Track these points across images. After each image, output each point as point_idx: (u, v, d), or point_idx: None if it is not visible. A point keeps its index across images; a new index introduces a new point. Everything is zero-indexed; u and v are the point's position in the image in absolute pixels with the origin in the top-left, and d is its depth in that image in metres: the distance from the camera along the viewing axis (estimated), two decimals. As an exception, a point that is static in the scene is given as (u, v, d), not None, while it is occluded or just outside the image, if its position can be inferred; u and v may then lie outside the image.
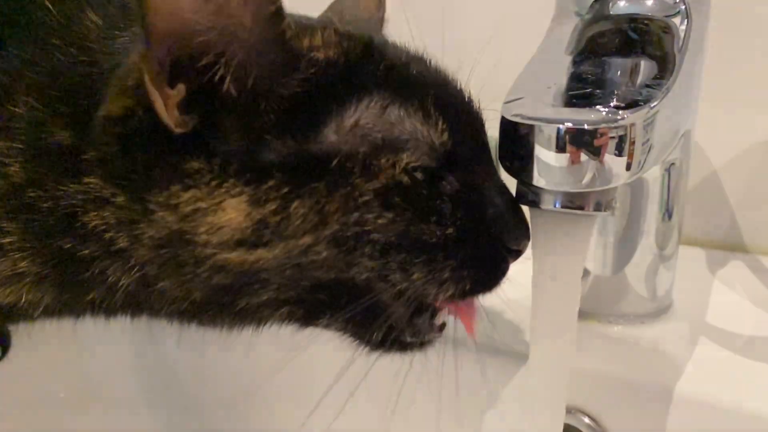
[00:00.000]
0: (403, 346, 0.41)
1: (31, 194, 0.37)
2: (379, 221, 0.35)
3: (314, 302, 0.38)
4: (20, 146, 0.37)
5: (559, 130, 0.35)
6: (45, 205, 0.37)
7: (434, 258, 0.37)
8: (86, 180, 0.36)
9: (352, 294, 0.37)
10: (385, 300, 0.38)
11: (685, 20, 0.42)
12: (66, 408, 0.65)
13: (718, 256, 0.66)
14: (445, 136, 0.38)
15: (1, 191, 0.37)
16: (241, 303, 0.38)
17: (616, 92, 0.38)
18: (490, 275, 0.39)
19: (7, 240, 0.38)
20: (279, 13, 0.34)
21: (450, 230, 0.37)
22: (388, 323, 0.39)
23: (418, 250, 0.37)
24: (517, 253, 0.40)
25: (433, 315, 0.41)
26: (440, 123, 0.37)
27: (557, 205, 0.38)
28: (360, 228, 0.35)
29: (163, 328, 0.42)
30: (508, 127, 0.37)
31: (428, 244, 0.37)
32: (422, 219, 0.36)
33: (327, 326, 0.40)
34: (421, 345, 0.42)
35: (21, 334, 0.54)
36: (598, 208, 0.38)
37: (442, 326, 0.42)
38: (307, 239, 0.35)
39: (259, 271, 0.36)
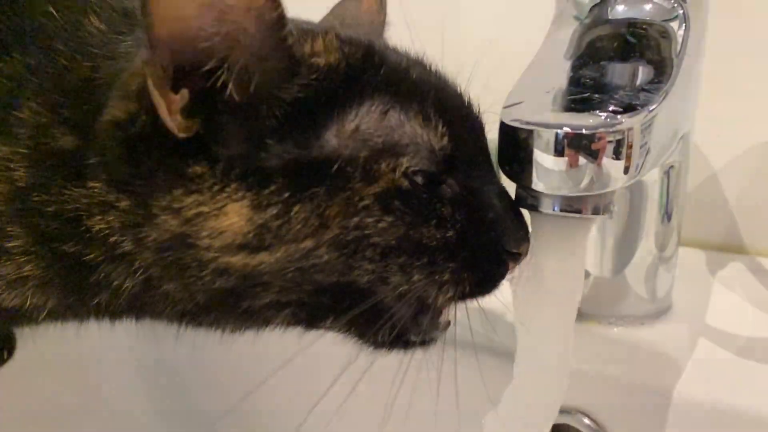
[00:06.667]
0: (406, 344, 0.41)
1: (36, 198, 0.37)
2: (380, 225, 0.36)
3: (316, 305, 0.38)
4: (24, 151, 0.37)
5: (557, 134, 0.36)
6: (50, 209, 0.37)
7: (434, 260, 0.37)
8: (90, 185, 0.36)
9: (353, 297, 0.38)
10: (386, 302, 0.38)
11: (683, 24, 0.42)
12: (70, 414, 0.65)
13: (717, 257, 0.66)
14: (445, 140, 0.38)
15: (6, 195, 0.38)
16: (243, 305, 0.38)
17: (614, 96, 0.38)
18: (489, 278, 0.40)
19: (12, 244, 0.38)
20: (281, 19, 0.34)
21: (450, 233, 0.37)
22: (392, 324, 0.39)
23: (418, 253, 0.37)
24: (518, 256, 0.40)
25: (436, 314, 0.41)
26: (440, 127, 0.38)
27: (556, 209, 0.38)
28: (360, 232, 0.35)
29: (168, 333, 0.42)
30: (507, 131, 0.38)
31: (428, 247, 0.37)
32: (422, 223, 0.37)
33: (330, 328, 0.40)
34: (424, 343, 0.42)
35: (26, 338, 0.54)
36: (596, 211, 0.38)
37: (446, 324, 0.42)
38: (308, 243, 0.35)
39: (261, 275, 0.36)
